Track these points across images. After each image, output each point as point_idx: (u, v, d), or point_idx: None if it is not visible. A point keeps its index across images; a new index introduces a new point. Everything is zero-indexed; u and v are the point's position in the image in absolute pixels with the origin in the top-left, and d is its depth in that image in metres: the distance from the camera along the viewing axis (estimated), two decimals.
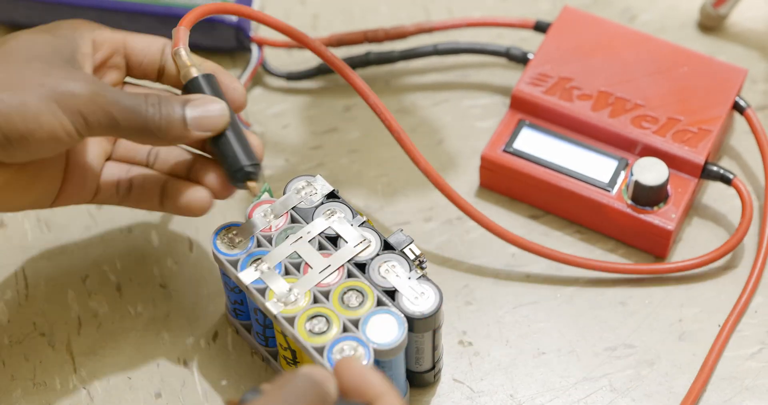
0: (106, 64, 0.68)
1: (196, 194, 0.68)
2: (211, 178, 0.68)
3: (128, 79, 0.70)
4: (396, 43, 0.86)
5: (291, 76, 0.86)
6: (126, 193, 0.70)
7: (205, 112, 0.65)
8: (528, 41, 0.86)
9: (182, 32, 0.68)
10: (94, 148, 0.70)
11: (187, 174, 0.70)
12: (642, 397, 0.73)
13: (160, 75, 0.69)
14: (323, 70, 0.85)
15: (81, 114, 0.63)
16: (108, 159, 0.71)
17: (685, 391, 0.73)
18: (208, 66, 0.69)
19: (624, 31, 0.82)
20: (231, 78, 0.69)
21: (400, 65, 0.86)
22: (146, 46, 0.68)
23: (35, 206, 0.68)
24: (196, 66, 0.67)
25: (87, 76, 0.64)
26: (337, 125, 0.84)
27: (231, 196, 0.69)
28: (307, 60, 0.87)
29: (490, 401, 0.73)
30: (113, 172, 0.70)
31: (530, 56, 0.82)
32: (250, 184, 0.66)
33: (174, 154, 0.71)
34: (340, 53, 0.86)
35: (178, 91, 0.68)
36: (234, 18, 0.84)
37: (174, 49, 0.68)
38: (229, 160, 0.66)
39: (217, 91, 0.67)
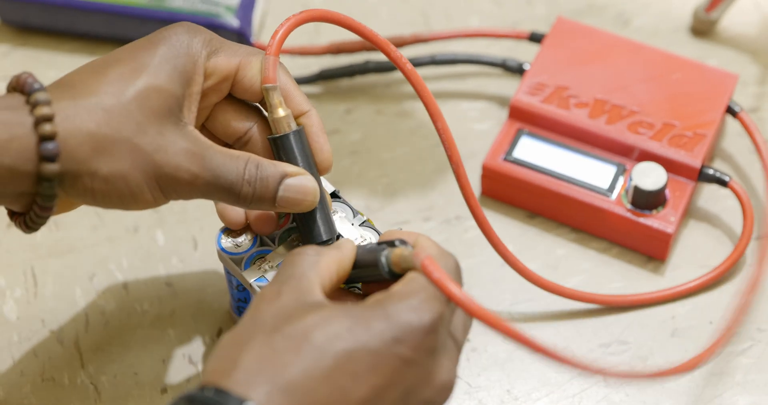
0: (211, 89, 0.64)
1: (233, 210, 0.68)
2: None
3: None
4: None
5: None
6: None
7: (296, 194, 0.63)
8: (522, 46, 0.87)
9: (272, 64, 0.64)
10: None
11: None
12: (635, 392, 0.73)
13: (263, 102, 0.66)
14: (324, 76, 0.86)
15: (178, 193, 0.62)
16: None
17: (676, 386, 0.74)
18: (300, 113, 0.65)
19: (617, 40, 0.82)
20: (321, 132, 0.66)
21: (399, 73, 0.87)
22: (256, 75, 0.64)
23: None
24: (289, 117, 0.64)
25: (191, 145, 0.61)
26: (338, 127, 0.85)
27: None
28: (309, 65, 0.87)
29: (487, 396, 0.74)
30: None
31: (526, 67, 0.83)
32: None
33: None
34: (340, 61, 0.87)
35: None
36: (236, 23, 0.85)
37: (265, 86, 0.64)
38: (309, 232, 0.66)
39: (306, 153, 0.65)
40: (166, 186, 0.61)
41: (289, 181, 0.63)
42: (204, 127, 0.67)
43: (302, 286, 0.58)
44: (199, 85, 0.63)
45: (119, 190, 0.60)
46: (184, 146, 0.61)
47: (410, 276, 0.58)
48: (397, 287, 0.58)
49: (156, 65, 0.61)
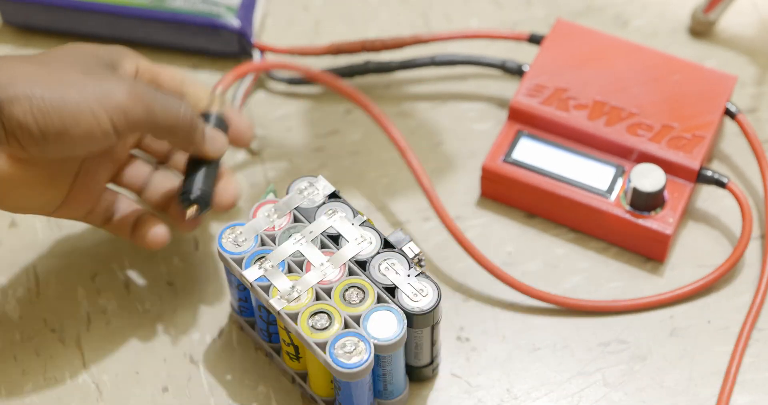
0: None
1: (157, 230, 0.73)
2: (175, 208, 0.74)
3: None
4: (393, 53, 0.87)
5: (293, 81, 0.87)
6: (107, 220, 0.73)
7: (216, 135, 0.72)
8: (522, 48, 0.87)
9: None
10: (102, 171, 0.72)
11: (167, 206, 0.75)
12: (634, 391, 0.74)
13: None
14: None
15: (122, 110, 0.65)
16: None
17: (675, 385, 0.74)
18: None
19: (616, 42, 0.83)
20: (242, 118, 0.75)
21: (399, 74, 0.87)
22: (171, 77, 0.73)
23: (38, 211, 0.70)
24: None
25: (127, 78, 0.67)
26: (338, 128, 0.85)
27: (195, 229, 0.75)
28: (309, 65, 0.88)
29: (487, 395, 0.74)
30: (107, 197, 0.73)
31: (525, 68, 0.84)
32: (189, 211, 0.72)
33: (163, 186, 0.74)
34: (340, 62, 0.87)
35: None
36: (236, 24, 0.86)
37: (218, 89, 0.78)
38: (186, 183, 0.72)
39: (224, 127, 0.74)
40: (108, 104, 0.64)
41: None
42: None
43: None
44: (132, 68, 0.71)
45: (60, 111, 0.63)
46: (126, 77, 0.68)
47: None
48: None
49: (87, 49, 0.69)
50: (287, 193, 0.71)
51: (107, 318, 0.77)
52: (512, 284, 0.77)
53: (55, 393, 0.74)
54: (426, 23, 0.91)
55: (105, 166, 0.72)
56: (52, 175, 0.68)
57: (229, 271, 0.71)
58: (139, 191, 0.75)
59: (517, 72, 0.84)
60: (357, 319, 0.67)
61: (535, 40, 0.85)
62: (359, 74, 0.86)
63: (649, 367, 0.75)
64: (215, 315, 0.77)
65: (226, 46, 0.87)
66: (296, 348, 0.70)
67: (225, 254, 0.69)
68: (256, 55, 0.86)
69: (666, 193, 0.78)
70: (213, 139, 0.72)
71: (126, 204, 0.74)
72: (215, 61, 0.88)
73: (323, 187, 0.71)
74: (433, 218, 0.81)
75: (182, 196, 0.71)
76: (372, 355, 0.66)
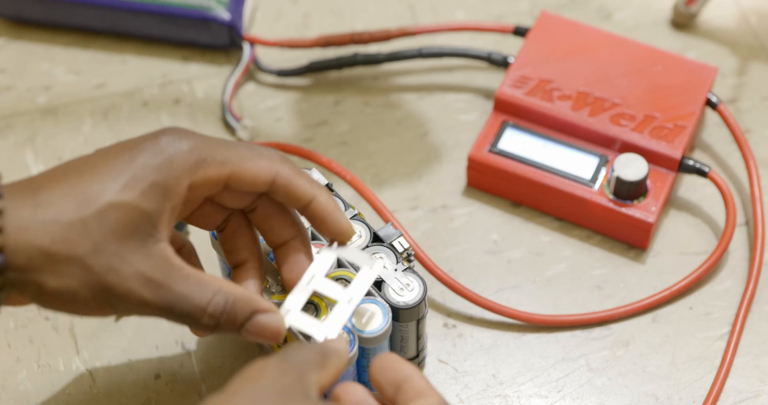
0: (198, 194, 0.61)
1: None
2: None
3: None
4: (381, 45, 0.88)
5: (282, 73, 0.87)
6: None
7: (262, 332, 0.61)
8: (507, 40, 0.88)
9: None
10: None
11: None
12: (617, 376, 0.75)
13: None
14: (313, 68, 0.87)
15: (129, 311, 0.59)
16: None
17: (657, 370, 0.75)
18: (306, 202, 0.63)
19: (599, 34, 0.83)
20: (333, 212, 0.63)
21: (387, 65, 0.88)
22: (253, 178, 0.61)
23: None
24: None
25: (151, 269, 0.58)
26: (326, 119, 0.86)
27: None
28: (298, 58, 0.88)
29: (473, 381, 0.75)
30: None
31: (510, 60, 0.84)
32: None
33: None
34: (328, 54, 0.88)
35: None
36: (227, 16, 0.87)
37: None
38: None
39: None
40: (116, 305, 0.58)
41: (259, 318, 0.61)
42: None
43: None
44: (180, 197, 0.59)
45: (66, 303, 0.58)
46: (141, 270, 0.58)
47: None
48: None
49: (130, 180, 0.58)
50: None
51: None
52: (504, 313, 0.77)
53: (49, 380, 0.74)
54: (413, 16, 0.91)
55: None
56: None
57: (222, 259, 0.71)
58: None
59: (502, 64, 0.85)
60: None
61: (519, 32, 0.85)
62: (348, 66, 0.87)
63: (632, 352, 0.76)
64: None
65: (216, 38, 0.88)
66: (284, 338, 0.71)
67: (216, 241, 0.69)
68: (246, 47, 0.87)
69: (648, 182, 0.79)
70: (261, 335, 0.61)
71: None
72: (205, 53, 0.89)
73: (317, 179, 0.72)
74: (421, 207, 0.82)
75: None
76: (356, 347, 0.66)
